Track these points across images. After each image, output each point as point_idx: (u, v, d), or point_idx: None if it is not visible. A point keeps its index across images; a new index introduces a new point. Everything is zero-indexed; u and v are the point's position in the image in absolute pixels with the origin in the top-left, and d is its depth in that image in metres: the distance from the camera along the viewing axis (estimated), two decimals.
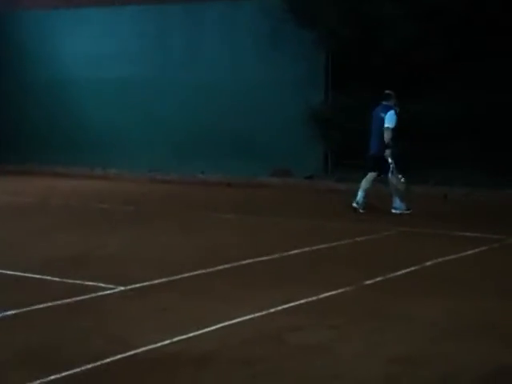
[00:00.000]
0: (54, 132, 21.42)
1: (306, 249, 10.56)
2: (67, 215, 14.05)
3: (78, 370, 5.79)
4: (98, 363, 5.93)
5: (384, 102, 13.90)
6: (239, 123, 19.20)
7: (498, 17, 15.77)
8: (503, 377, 5.88)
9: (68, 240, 11.36)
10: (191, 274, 9.00)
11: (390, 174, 13.68)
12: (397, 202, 13.80)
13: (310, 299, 7.85)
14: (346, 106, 17.72)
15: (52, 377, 5.64)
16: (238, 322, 7.05)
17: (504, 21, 15.80)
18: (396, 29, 16.46)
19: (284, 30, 18.14)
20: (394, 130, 13.61)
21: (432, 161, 16.19)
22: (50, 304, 7.62)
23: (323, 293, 8.06)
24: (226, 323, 6.99)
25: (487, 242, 11.08)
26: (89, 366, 5.86)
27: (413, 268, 9.36)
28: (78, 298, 7.86)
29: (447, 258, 9.99)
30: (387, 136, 13.60)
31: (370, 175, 13.94)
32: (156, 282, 8.61)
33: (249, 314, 7.27)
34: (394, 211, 13.77)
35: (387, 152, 13.61)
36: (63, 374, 5.71)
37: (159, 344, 6.38)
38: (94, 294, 8.04)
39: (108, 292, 8.16)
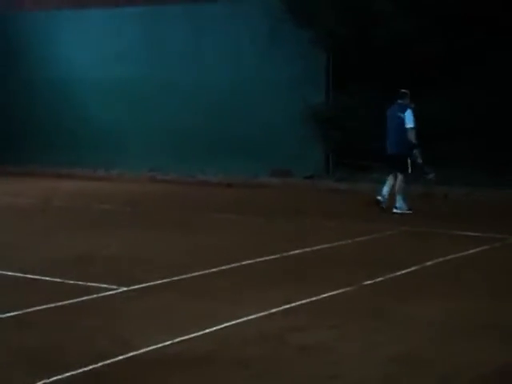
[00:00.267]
0: (56, 133, 21.46)
1: (307, 249, 10.59)
2: (69, 216, 14.09)
3: (80, 370, 5.82)
4: (100, 364, 5.96)
5: (399, 101, 13.95)
6: (239, 123, 19.24)
7: (498, 14, 15.77)
8: (503, 377, 5.90)
9: (70, 241, 11.40)
10: (193, 274, 9.03)
11: (400, 175, 13.73)
12: (400, 202, 13.82)
13: (310, 299, 7.88)
14: (346, 105, 17.76)
15: (54, 378, 5.67)
16: (239, 323, 7.09)
17: (504, 17, 15.79)
18: (394, 27, 16.47)
19: (283, 29, 18.16)
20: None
21: (432, 160, 16.19)
22: (51, 305, 7.65)
23: (323, 293, 8.09)
24: (227, 324, 7.03)
25: (488, 242, 11.10)
26: (91, 367, 5.89)
27: (413, 268, 9.39)
28: (80, 299, 7.89)
29: (448, 257, 10.02)
30: (412, 136, 13.68)
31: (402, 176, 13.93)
32: (158, 282, 8.64)
33: (249, 314, 7.30)
34: (395, 211, 13.81)
35: (415, 152, 13.68)
36: (65, 374, 5.74)
37: (160, 344, 6.42)
38: (96, 295, 8.07)
39: (110, 293, 8.20)
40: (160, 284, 8.60)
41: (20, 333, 6.92)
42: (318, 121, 18.23)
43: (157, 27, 20.63)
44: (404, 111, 13.77)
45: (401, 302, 7.92)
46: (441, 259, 9.89)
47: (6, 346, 6.52)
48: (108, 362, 6.02)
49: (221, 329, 6.90)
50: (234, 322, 7.07)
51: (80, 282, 8.61)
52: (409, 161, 13.74)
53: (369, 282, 8.67)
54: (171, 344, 6.45)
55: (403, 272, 9.19)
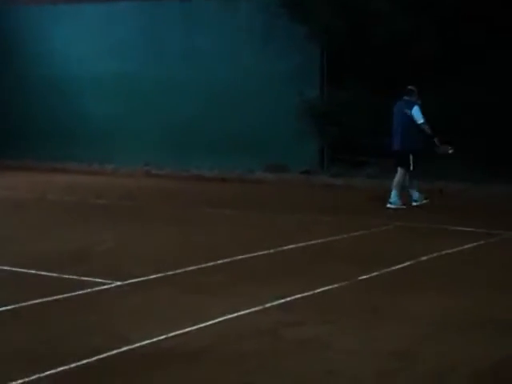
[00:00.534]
0: (51, 128, 21.39)
1: (302, 244, 10.59)
2: (64, 211, 14.07)
3: (74, 364, 5.81)
4: (95, 358, 5.95)
5: (406, 98, 13.97)
6: (235, 118, 19.21)
7: (497, 12, 15.76)
8: (498, 372, 5.90)
9: (65, 235, 11.38)
10: (187, 269, 9.02)
11: (400, 169, 13.82)
12: (394, 197, 13.83)
13: (305, 294, 7.87)
14: (342, 100, 17.74)
15: (48, 372, 5.67)
16: (234, 317, 7.08)
17: (503, 16, 15.78)
18: (390, 23, 16.46)
19: (278, 25, 18.12)
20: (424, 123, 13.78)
21: (427, 156, 16.19)
22: (46, 299, 7.63)
23: (319, 288, 8.09)
24: (222, 318, 7.02)
25: (483, 237, 11.10)
26: (85, 361, 5.89)
27: (408, 263, 9.39)
28: (75, 293, 7.88)
29: (443, 252, 10.02)
30: (427, 129, 13.75)
31: (403, 172, 13.96)
32: (152, 277, 8.63)
33: (244, 309, 7.30)
34: (389, 206, 13.82)
35: (436, 141, 13.78)
36: (59, 368, 5.73)
37: (155, 339, 6.41)
38: (90, 290, 8.06)
39: (105, 287, 8.18)
40: (155, 279, 8.59)
41: (15, 327, 6.91)
42: (314, 116, 18.21)
43: (152, 22, 20.56)
44: (411, 108, 13.80)
45: (396, 297, 7.92)
46: (436, 254, 9.89)
47: (1, 340, 6.51)
48: (103, 356, 6.01)
49: (216, 323, 6.90)
50: (229, 317, 7.07)
51: (75, 277, 8.59)
52: (411, 157, 13.76)
53: (364, 276, 8.67)
54: (166, 338, 6.45)
55: (398, 267, 9.19)
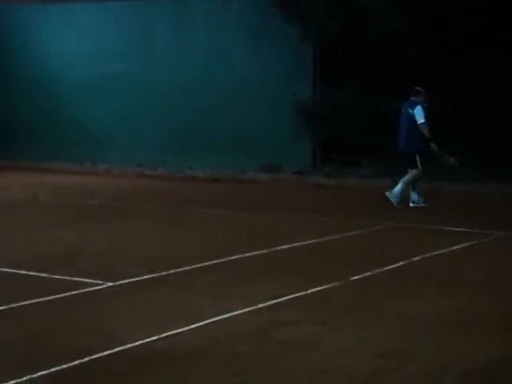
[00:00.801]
0: (43, 127, 21.34)
1: (295, 244, 10.57)
2: (56, 211, 14.03)
3: (66, 365, 5.79)
4: (87, 359, 5.93)
5: (413, 98, 13.99)
6: (228, 118, 19.20)
7: (489, 10, 15.77)
8: (491, 372, 5.90)
9: (56, 236, 11.35)
10: (179, 269, 9.00)
11: (412, 171, 13.89)
12: (398, 190, 13.86)
13: (298, 294, 7.86)
14: (334, 100, 17.72)
15: (40, 372, 5.64)
16: (226, 318, 7.06)
17: (494, 14, 15.79)
18: (383, 22, 16.45)
19: (271, 24, 18.11)
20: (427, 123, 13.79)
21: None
22: (37, 300, 7.61)
23: (311, 288, 8.08)
24: (214, 319, 7.00)
25: (476, 237, 11.11)
26: (77, 362, 5.86)
27: (401, 263, 9.38)
28: (66, 294, 7.85)
29: (436, 252, 10.02)
30: (425, 131, 13.76)
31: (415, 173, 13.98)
32: (144, 277, 8.61)
33: (237, 309, 7.28)
34: (388, 193, 13.95)
35: (433, 146, 13.76)
36: (52, 369, 5.71)
37: (147, 340, 6.39)
38: (82, 290, 8.04)
39: (96, 288, 8.16)
40: (147, 279, 8.57)
41: (6, 328, 6.88)
42: (306, 115, 18.21)
43: (145, 22, 20.53)
44: (414, 108, 13.82)
45: (389, 297, 7.91)
46: (429, 254, 9.89)
47: None
48: (94, 356, 5.99)
49: (208, 324, 6.88)
50: (221, 317, 7.05)
51: (66, 277, 8.56)
52: (417, 158, 13.78)
53: (357, 277, 8.66)
54: (158, 339, 6.43)
55: (391, 267, 9.19)
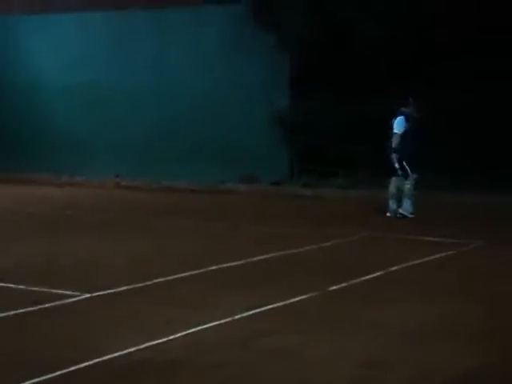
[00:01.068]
0: (20, 139, 21.21)
1: (272, 254, 10.58)
2: (34, 222, 13.95)
3: (44, 377, 5.75)
4: (65, 371, 5.90)
5: (403, 109, 14.03)
6: (205, 129, 19.20)
7: (470, 16, 15.84)
8: (471, 380, 5.93)
9: (34, 247, 11.28)
10: (158, 280, 8.98)
11: (405, 181, 13.91)
12: (407, 205, 13.89)
13: (276, 305, 7.87)
14: (312, 109, 17.73)
15: None
16: (206, 328, 7.06)
17: (477, 19, 15.84)
18: (360, 32, 16.50)
19: (247, 34, 18.14)
20: (402, 136, 13.79)
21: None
22: (15, 312, 7.56)
23: (289, 298, 8.09)
24: (194, 329, 6.99)
25: (452, 247, 11.16)
26: (56, 374, 5.83)
27: (378, 273, 9.41)
28: (44, 306, 7.81)
29: (412, 262, 10.06)
30: (394, 141, 13.82)
31: (404, 181, 14.02)
32: (123, 288, 8.59)
33: (216, 320, 7.28)
34: (400, 211, 13.94)
35: (393, 156, 13.80)
36: (30, 381, 5.67)
37: (126, 351, 6.37)
38: (60, 302, 8.00)
39: (74, 299, 8.12)
40: (125, 290, 8.54)
41: None
42: (283, 125, 18.23)
43: (124, 33, 20.51)
44: (396, 117, 13.89)
45: (366, 307, 7.93)
46: (406, 264, 9.93)
47: None
48: (74, 368, 5.96)
49: (187, 334, 6.87)
50: (200, 328, 7.04)
51: (44, 289, 8.52)
52: (405, 165, 13.81)
53: (334, 287, 8.67)
54: (137, 350, 6.41)
55: (368, 277, 9.21)
